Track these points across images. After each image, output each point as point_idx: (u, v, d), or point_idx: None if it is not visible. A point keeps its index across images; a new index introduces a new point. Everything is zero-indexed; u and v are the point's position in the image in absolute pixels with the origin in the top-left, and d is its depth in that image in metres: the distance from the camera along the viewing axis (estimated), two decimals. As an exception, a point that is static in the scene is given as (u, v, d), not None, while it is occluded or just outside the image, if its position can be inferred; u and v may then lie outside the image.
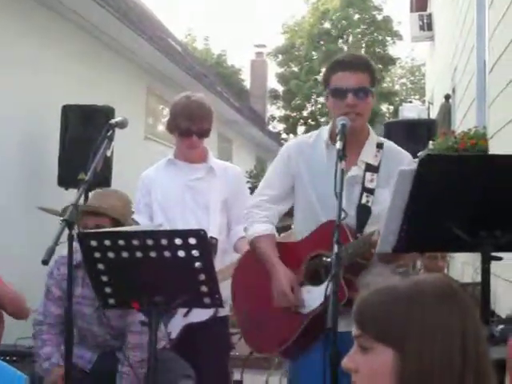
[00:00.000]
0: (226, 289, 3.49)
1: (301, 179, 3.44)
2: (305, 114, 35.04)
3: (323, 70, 3.65)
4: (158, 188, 4.36)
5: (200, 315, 4.09)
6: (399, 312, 1.60)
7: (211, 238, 3.98)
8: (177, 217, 4.27)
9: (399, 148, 3.49)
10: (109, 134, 3.48)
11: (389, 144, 3.48)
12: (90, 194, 3.96)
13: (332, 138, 3.33)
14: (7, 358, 4.89)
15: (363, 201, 3.30)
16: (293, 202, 3.54)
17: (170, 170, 4.40)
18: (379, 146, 3.40)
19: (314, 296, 3.23)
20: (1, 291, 4.15)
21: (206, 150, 4.44)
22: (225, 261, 4.18)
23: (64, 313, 3.26)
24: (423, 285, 1.64)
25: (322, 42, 33.38)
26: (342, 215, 2.79)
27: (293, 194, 3.50)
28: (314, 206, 3.37)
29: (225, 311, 4.17)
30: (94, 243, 2.96)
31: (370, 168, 3.34)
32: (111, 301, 3.08)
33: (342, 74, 3.26)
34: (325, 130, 3.45)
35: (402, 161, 3.35)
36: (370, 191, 3.30)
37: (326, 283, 2.71)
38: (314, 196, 3.37)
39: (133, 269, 2.96)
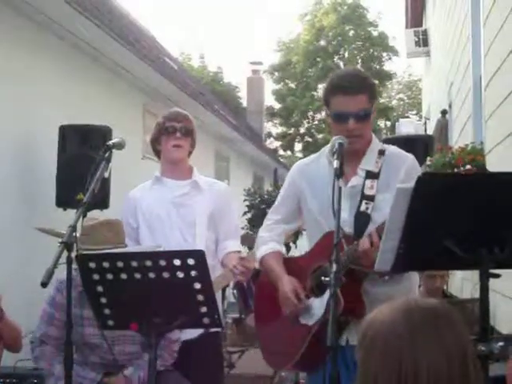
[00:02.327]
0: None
1: (305, 197, 3.50)
2: (302, 130, 35.10)
3: (321, 87, 3.70)
4: (143, 207, 4.41)
5: (192, 332, 4.11)
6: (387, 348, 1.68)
7: None
8: (163, 234, 4.30)
9: (402, 152, 3.49)
10: (106, 155, 3.49)
11: (392, 149, 3.48)
12: (81, 229, 3.89)
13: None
14: (7, 380, 4.87)
15: (362, 208, 3.30)
16: (301, 222, 3.65)
17: (156, 188, 4.46)
18: (381, 152, 3.41)
19: (317, 307, 3.28)
20: (4, 327, 4.19)
21: (190, 167, 4.52)
22: (213, 277, 4.16)
23: (66, 336, 3.23)
24: (409, 316, 1.71)
25: (318, 59, 33.50)
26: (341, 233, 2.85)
27: (300, 215, 3.61)
28: (319, 221, 3.40)
29: None
30: (92, 265, 2.96)
31: (370, 175, 3.35)
32: (110, 322, 3.08)
33: (342, 99, 3.26)
34: (326, 147, 3.46)
35: (403, 164, 3.37)
36: (370, 198, 3.30)
37: (326, 294, 2.73)
38: (318, 211, 3.40)
39: (132, 290, 2.96)
